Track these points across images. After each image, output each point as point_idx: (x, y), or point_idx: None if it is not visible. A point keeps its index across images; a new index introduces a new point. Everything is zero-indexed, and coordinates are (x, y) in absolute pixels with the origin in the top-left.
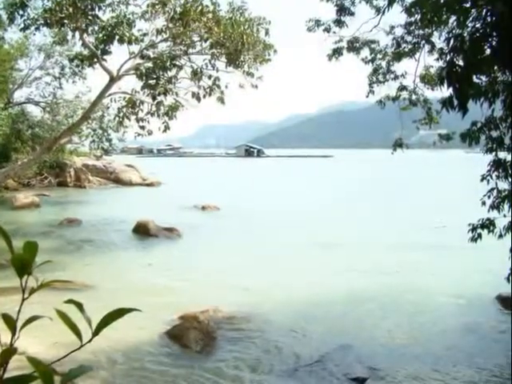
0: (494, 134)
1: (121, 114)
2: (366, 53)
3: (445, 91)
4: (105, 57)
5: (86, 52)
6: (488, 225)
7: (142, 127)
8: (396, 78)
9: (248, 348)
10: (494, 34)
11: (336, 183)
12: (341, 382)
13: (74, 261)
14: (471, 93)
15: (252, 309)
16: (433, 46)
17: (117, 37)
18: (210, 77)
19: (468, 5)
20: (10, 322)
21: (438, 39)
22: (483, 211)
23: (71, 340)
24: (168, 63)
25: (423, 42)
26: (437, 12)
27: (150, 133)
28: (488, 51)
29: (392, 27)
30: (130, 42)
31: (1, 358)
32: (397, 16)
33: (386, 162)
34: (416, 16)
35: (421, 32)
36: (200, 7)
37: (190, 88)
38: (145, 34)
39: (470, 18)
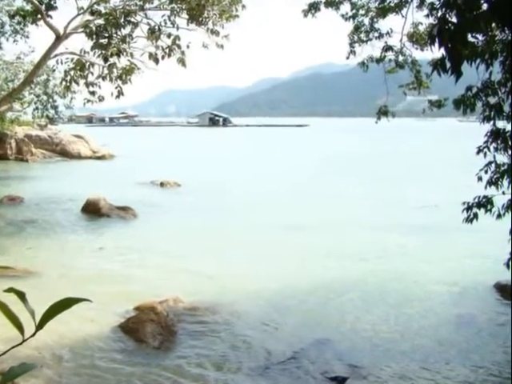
0: (492, 100)
1: (68, 78)
2: (346, 8)
3: (436, 52)
4: (50, 12)
5: (28, 7)
6: (485, 203)
7: (93, 93)
8: (380, 36)
9: (213, 343)
10: None
11: (312, 156)
12: (318, 381)
13: (15, 244)
14: (466, 53)
15: (217, 299)
16: (422, 0)
17: None
18: (169, 35)
19: None
20: None
21: None
22: (480, 188)
23: (12, 334)
24: (122, 20)
25: None
26: None
27: (101, 99)
28: (485, 6)
29: None
30: None
31: None
32: None
33: (370, 133)
34: None
35: None
36: None
37: (146, 48)
38: None
39: None
